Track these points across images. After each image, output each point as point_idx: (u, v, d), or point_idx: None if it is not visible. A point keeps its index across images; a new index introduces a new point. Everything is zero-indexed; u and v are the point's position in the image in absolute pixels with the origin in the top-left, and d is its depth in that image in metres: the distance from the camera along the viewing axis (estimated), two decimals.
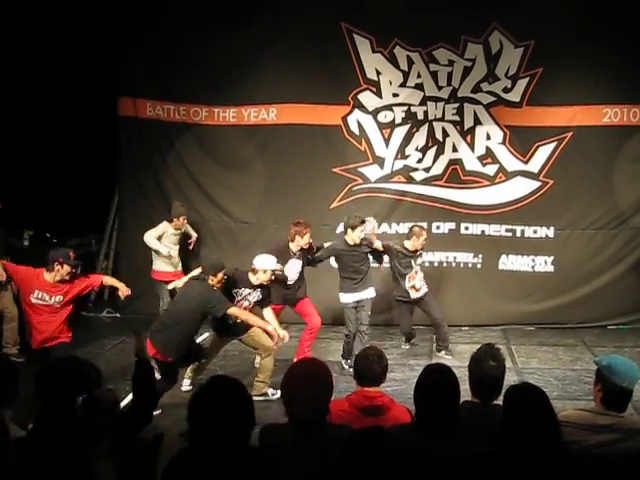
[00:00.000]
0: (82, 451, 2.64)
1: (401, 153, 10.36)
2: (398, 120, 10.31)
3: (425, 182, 10.39)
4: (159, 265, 9.76)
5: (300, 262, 8.41)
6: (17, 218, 9.42)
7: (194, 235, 10.24)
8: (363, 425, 3.23)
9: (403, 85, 10.24)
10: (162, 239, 9.71)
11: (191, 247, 10.26)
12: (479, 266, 10.47)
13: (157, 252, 9.65)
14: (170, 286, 8.47)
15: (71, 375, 3.24)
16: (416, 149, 10.33)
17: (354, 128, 10.34)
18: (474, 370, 3.97)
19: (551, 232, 10.36)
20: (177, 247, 9.97)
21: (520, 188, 10.33)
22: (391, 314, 10.39)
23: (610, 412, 3.78)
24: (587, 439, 3.68)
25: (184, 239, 10.16)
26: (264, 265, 7.58)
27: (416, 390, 3.56)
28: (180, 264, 9.96)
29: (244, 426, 2.75)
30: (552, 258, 10.38)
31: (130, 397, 7.36)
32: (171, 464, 2.57)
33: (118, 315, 10.80)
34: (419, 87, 10.22)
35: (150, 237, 9.63)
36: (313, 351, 8.98)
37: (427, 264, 10.50)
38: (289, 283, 8.34)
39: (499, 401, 3.95)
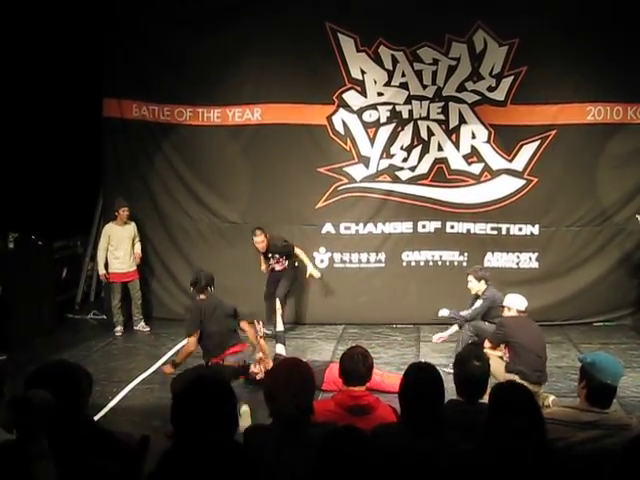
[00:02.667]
0: (17, 451, 2.62)
1: (386, 152, 10.36)
2: (383, 119, 10.30)
3: (410, 181, 10.40)
4: (112, 266, 10.08)
5: None
6: (2, 220, 9.37)
7: (138, 247, 10.26)
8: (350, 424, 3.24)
9: (388, 84, 10.24)
10: (110, 245, 10.02)
11: (137, 261, 10.28)
12: (465, 264, 10.48)
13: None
14: None
15: (62, 380, 3.22)
16: (401, 148, 10.33)
17: (339, 127, 10.33)
18: (459, 370, 4.00)
19: (536, 229, 10.39)
20: (129, 247, 10.12)
21: (505, 186, 10.35)
22: (379, 313, 10.41)
23: (594, 409, 3.81)
24: (572, 436, 3.71)
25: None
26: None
27: (401, 388, 3.57)
28: (134, 263, 10.19)
29: (227, 426, 2.75)
30: (536, 255, 10.43)
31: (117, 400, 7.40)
32: (158, 467, 2.57)
33: (104, 317, 10.76)
34: (404, 86, 10.22)
35: (99, 252, 10.12)
36: (300, 351, 9.01)
37: (413, 263, 10.56)
38: None
39: (484, 400, 3.98)
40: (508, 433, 3.03)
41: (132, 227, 10.20)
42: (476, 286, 8.43)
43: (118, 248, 10.04)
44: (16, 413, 2.75)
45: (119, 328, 10.14)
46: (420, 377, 3.54)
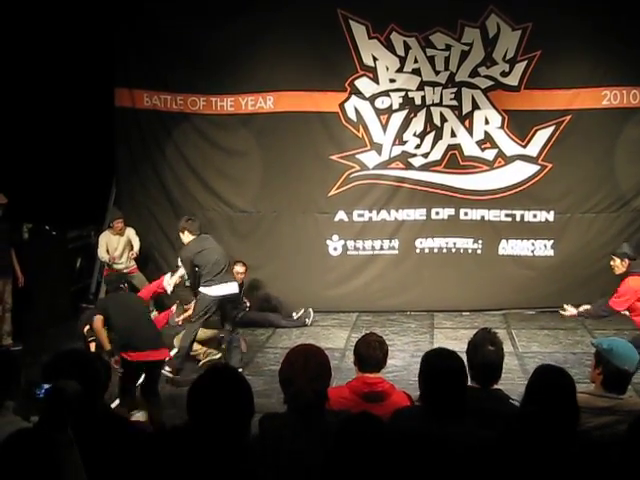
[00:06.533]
0: (48, 440, 2.65)
1: (399, 139, 10.31)
2: (395, 106, 10.25)
3: (424, 168, 10.35)
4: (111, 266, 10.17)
5: None
6: (16, 211, 9.41)
7: (136, 247, 10.29)
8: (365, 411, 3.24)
9: (400, 70, 10.19)
10: (109, 250, 10.12)
11: (133, 256, 10.30)
12: (479, 251, 10.45)
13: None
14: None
15: (79, 369, 3.24)
16: (414, 135, 10.28)
17: (351, 115, 10.29)
18: (473, 355, 3.97)
19: (551, 216, 10.32)
20: (127, 251, 10.21)
21: (519, 172, 10.29)
22: (392, 300, 10.42)
23: (610, 394, 3.80)
24: (588, 421, 3.69)
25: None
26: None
27: (422, 374, 3.53)
28: (133, 264, 10.30)
29: (244, 415, 2.75)
30: (552, 242, 10.36)
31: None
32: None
33: None
34: (416, 72, 10.16)
35: (99, 254, 10.24)
36: (313, 338, 9.01)
37: (427, 250, 10.52)
38: None
39: (499, 385, 3.97)
40: (530, 420, 2.99)
41: (127, 235, 10.25)
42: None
43: (115, 254, 10.14)
44: (50, 404, 2.79)
45: None
46: (443, 365, 3.50)
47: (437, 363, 3.52)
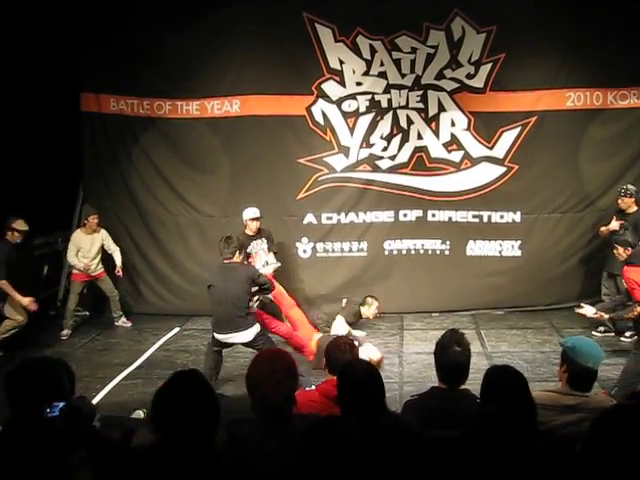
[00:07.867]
0: (60, 460, 2.62)
1: (366, 142, 10.34)
2: (362, 109, 10.29)
3: (391, 170, 10.39)
4: (76, 268, 9.99)
5: None
6: None
7: (118, 261, 10.15)
8: (334, 414, 3.25)
9: (366, 74, 10.22)
10: (79, 252, 9.93)
11: (119, 273, 10.18)
12: (447, 252, 10.52)
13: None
14: None
15: (42, 378, 3.20)
16: (381, 137, 10.32)
17: (319, 118, 10.31)
18: (440, 356, 4.00)
19: (518, 217, 10.42)
20: (98, 254, 10.07)
21: (486, 174, 10.37)
22: None
23: (576, 392, 3.84)
24: (554, 419, 3.73)
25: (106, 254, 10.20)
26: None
27: (340, 387, 3.58)
28: (101, 268, 10.12)
29: (210, 421, 2.74)
30: (519, 242, 10.46)
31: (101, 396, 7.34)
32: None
33: (87, 314, 10.70)
34: (382, 75, 10.20)
35: (70, 258, 10.02)
36: (284, 342, 8.98)
37: (395, 252, 10.57)
38: None
39: (467, 386, 4.00)
40: (492, 420, 3.03)
41: (101, 235, 10.08)
42: None
43: (86, 256, 9.95)
44: (66, 424, 2.75)
45: (66, 332, 9.91)
46: (356, 376, 3.55)
47: (348, 376, 3.57)
